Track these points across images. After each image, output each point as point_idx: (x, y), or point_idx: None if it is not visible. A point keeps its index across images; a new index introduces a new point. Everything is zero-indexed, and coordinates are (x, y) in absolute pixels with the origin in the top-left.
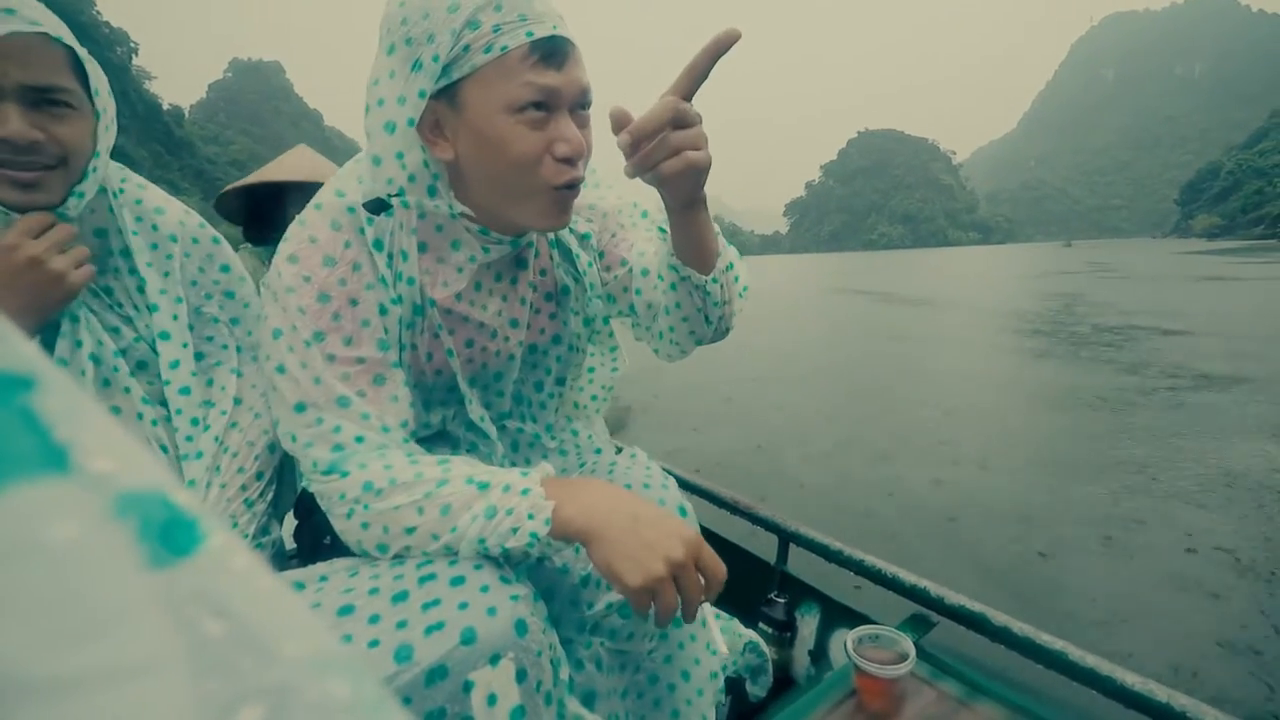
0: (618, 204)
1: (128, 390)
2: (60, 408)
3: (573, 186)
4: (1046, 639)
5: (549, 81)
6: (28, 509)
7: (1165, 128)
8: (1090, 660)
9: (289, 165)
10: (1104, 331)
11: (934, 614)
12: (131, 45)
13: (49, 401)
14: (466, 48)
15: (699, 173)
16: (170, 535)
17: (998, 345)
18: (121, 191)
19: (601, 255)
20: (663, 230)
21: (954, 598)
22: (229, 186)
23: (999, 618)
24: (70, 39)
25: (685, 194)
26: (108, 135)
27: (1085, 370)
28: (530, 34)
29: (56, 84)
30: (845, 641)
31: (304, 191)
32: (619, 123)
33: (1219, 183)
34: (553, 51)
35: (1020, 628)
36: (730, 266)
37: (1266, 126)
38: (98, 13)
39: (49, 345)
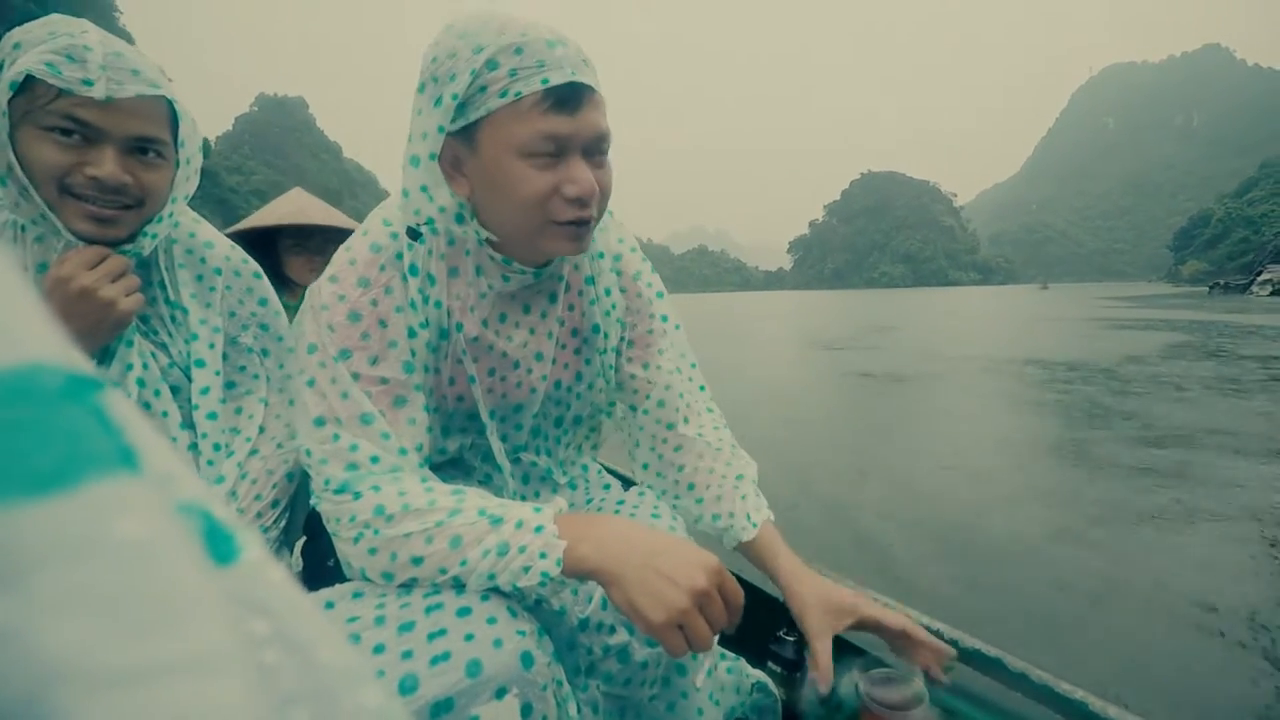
0: (651, 295)
1: (165, 414)
2: (123, 412)
3: (583, 224)
4: (1066, 688)
5: (560, 129)
6: (104, 504)
7: (1166, 175)
8: (1112, 711)
9: (277, 211)
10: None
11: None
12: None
13: (116, 404)
14: (484, 89)
15: None
16: (214, 544)
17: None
18: (176, 225)
19: (631, 344)
20: (647, 365)
21: (969, 640)
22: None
23: (1016, 663)
24: (175, 97)
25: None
26: (187, 184)
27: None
28: (546, 81)
29: (154, 136)
30: (856, 683)
31: (294, 235)
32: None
33: (1209, 230)
34: (567, 99)
35: (1039, 675)
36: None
37: (1256, 176)
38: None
39: (102, 368)
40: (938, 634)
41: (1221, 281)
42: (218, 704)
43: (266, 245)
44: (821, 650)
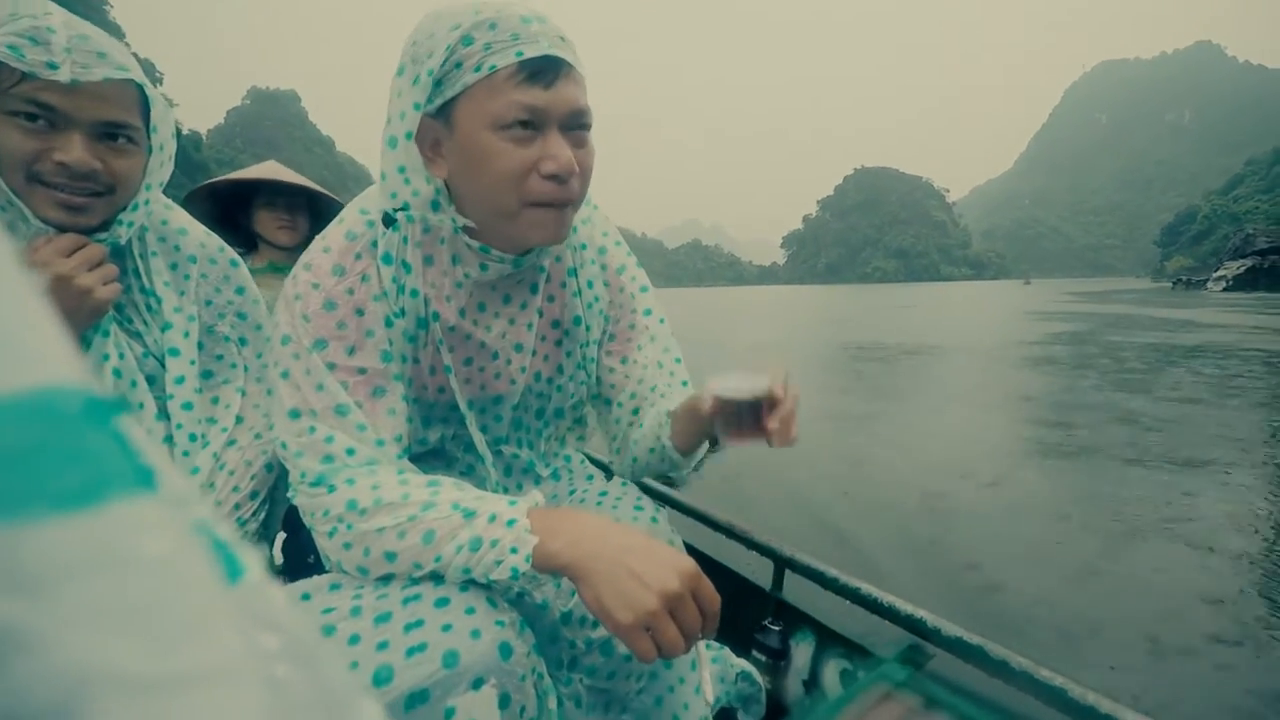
0: (634, 289)
1: (141, 406)
2: (137, 434)
3: (561, 207)
4: (1045, 674)
5: (534, 100)
6: (126, 523)
7: (1157, 171)
8: (1091, 698)
9: (251, 170)
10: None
11: (931, 645)
12: (157, 75)
13: (131, 427)
14: (459, 64)
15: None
16: (223, 563)
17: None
18: (149, 214)
19: (613, 338)
20: (669, 415)
21: (951, 629)
22: (195, 187)
23: (997, 651)
24: (144, 81)
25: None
26: (161, 170)
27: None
28: (520, 54)
29: (124, 121)
30: (707, 387)
31: (268, 193)
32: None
33: (1195, 226)
34: (542, 71)
35: (1019, 662)
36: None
37: (1242, 173)
38: (127, 43)
39: None
40: (920, 621)
41: (1185, 278)
42: (240, 715)
43: (241, 204)
44: (706, 396)
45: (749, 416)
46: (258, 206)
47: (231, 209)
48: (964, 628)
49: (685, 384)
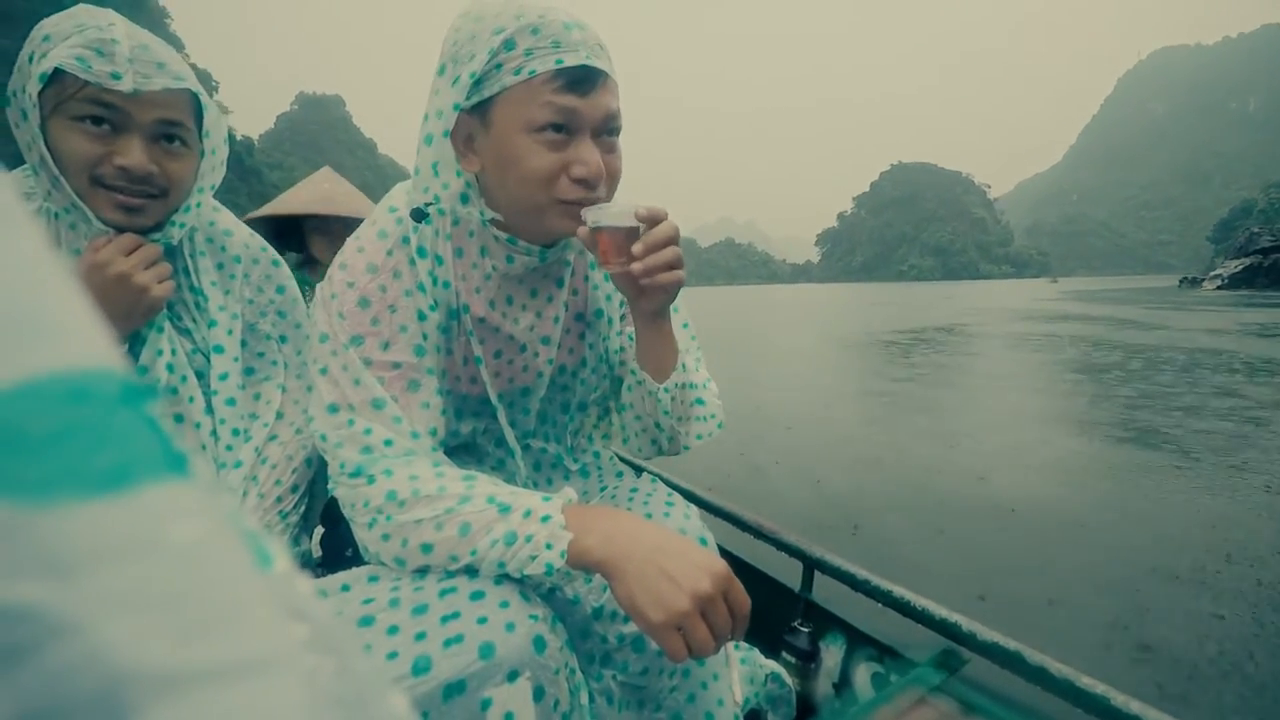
0: None
1: (191, 400)
2: (167, 420)
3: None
4: (1087, 682)
5: (569, 104)
6: (160, 508)
7: (1216, 163)
8: (1135, 707)
9: (303, 196)
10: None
11: (966, 650)
12: (214, 84)
13: (162, 413)
14: (499, 66)
15: (678, 288)
16: (254, 551)
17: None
18: (199, 215)
19: (625, 318)
20: (632, 337)
21: (987, 633)
22: (248, 216)
23: (1035, 657)
24: (199, 88)
25: (659, 305)
26: (214, 174)
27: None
28: (560, 61)
29: (179, 120)
30: (585, 216)
31: (323, 223)
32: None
33: (1251, 220)
34: (579, 79)
35: (1059, 669)
36: (691, 386)
37: None
38: (186, 54)
39: (134, 353)
40: (954, 626)
41: (1190, 276)
42: (281, 706)
43: (292, 225)
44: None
45: (623, 244)
46: (309, 230)
47: (285, 229)
48: (1001, 632)
49: (700, 364)
